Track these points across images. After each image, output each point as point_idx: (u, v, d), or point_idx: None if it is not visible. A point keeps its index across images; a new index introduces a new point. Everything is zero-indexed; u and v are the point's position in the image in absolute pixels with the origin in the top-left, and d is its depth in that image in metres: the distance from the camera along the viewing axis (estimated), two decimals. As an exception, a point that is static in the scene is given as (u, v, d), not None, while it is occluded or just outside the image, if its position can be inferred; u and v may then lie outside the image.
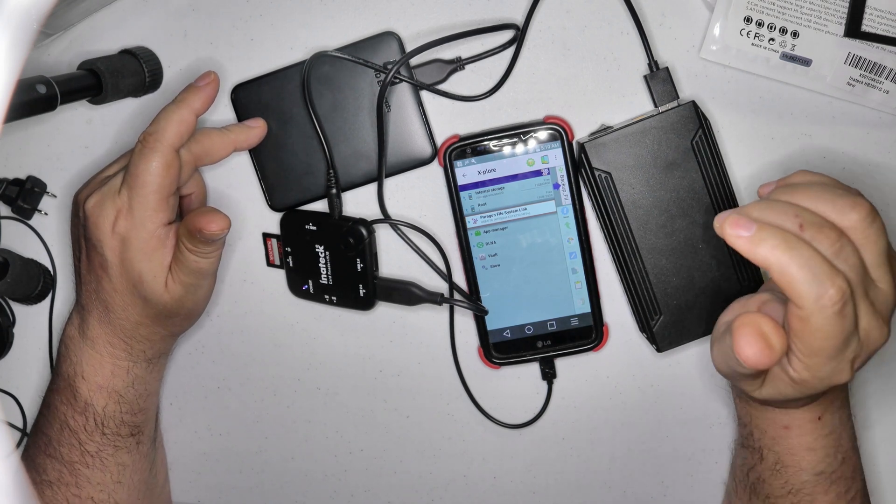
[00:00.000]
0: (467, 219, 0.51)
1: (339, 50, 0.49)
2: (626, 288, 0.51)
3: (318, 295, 0.53)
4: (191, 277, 0.47)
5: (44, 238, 0.54)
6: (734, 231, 0.35)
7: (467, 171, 0.50)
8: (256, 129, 0.50)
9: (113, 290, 0.47)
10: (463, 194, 0.51)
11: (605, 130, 0.49)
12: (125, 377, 0.50)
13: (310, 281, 0.53)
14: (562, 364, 0.54)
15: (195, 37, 0.52)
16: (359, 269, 0.51)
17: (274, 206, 0.53)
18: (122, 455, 0.50)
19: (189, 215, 0.45)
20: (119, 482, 0.50)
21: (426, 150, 0.51)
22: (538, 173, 0.50)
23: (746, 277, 0.50)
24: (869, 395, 0.54)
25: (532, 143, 0.50)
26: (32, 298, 0.54)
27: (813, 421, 0.43)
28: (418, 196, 0.52)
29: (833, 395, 0.44)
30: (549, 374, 0.54)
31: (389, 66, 0.49)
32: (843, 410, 0.45)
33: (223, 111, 0.52)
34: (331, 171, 0.51)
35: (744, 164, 0.51)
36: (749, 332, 0.35)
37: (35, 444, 0.51)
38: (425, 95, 0.51)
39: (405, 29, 0.50)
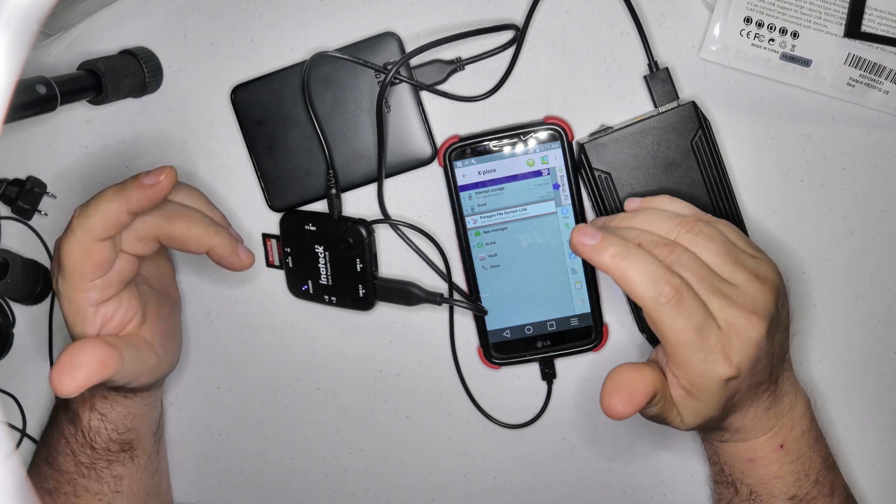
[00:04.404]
0: (467, 219, 0.51)
1: (339, 50, 0.49)
2: (625, 288, 0.51)
3: (318, 295, 0.53)
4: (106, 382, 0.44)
5: (44, 238, 0.54)
6: (580, 239, 0.40)
7: (467, 172, 0.50)
8: (246, 261, 0.47)
9: None
10: (463, 194, 0.51)
11: (604, 131, 0.49)
12: (103, 399, 0.48)
13: (309, 281, 0.53)
14: (562, 364, 0.54)
15: (195, 37, 0.52)
16: (358, 269, 0.51)
17: (273, 207, 0.53)
18: (118, 468, 0.50)
19: (50, 377, 0.41)
20: (117, 492, 0.50)
21: (426, 150, 0.51)
22: (538, 173, 0.50)
23: (746, 277, 0.50)
24: (861, 399, 0.54)
25: (532, 144, 0.50)
26: (32, 298, 0.54)
27: (775, 450, 0.45)
28: (418, 196, 0.52)
29: (791, 422, 0.45)
30: (548, 374, 0.54)
31: (389, 67, 0.49)
32: (807, 435, 0.46)
33: (223, 112, 0.52)
34: (330, 171, 0.51)
35: (744, 164, 0.51)
36: (610, 388, 0.40)
37: (39, 450, 0.51)
38: (425, 96, 0.51)
39: (405, 29, 0.50)
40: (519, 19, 0.50)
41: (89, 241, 0.42)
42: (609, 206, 0.49)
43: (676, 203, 0.44)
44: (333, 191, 0.51)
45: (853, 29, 0.47)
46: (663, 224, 0.41)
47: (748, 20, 0.48)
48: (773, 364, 0.42)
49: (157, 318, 0.48)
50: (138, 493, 0.51)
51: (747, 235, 0.50)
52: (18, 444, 0.56)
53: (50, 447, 0.49)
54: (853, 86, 0.49)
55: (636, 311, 0.51)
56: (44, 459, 0.49)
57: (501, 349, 0.53)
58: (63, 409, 0.49)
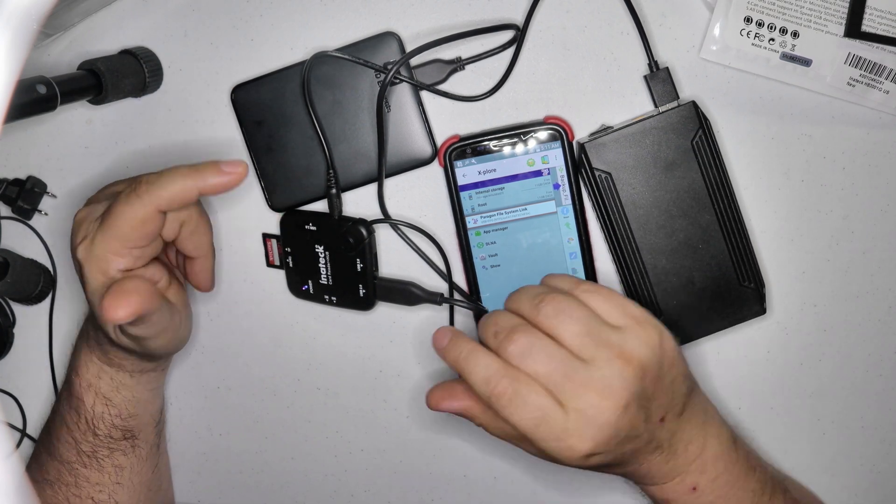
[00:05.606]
0: (467, 219, 0.51)
1: (339, 50, 0.49)
2: (625, 288, 0.51)
3: (318, 295, 0.53)
4: (140, 331, 0.45)
5: (44, 238, 0.54)
6: (435, 337, 0.44)
7: (467, 172, 0.50)
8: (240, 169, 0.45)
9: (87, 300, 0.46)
10: (463, 194, 0.51)
11: (605, 130, 0.49)
12: (109, 382, 0.49)
13: (310, 281, 0.53)
14: (562, 364, 0.54)
15: (195, 37, 0.52)
16: (359, 269, 0.51)
17: (274, 207, 0.53)
18: (119, 457, 0.50)
19: (101, 306, 0.42)
20: (118, 483, 0.50)
21: (426, 150, 0.51)
22: (538, 173, 0.50)
23: (746, 277, 0.50)
24: (861, 399, 0.54)
25: (532, 144, 0.50)
26: (32, 298, 0.54)
27: (688, 493, 0.44)
28: (418, 196, 0.52)
29: (702, 466, 0.44)
30: (549, 374, 0.53)
31: (389, 67, 0.49)
32: (724, 476, 0.45)
33: (223, 112, 0.52)
34: (330, 171, 0.51)
35: (744, 165, 0.51)
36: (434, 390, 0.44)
37: (41, 441, 0.51)
38: (425, 95, 0.51)
39: (405, 29, 0.50)
40: (519, 19, 0.50)
41: (152, 209, 0.42)
42: (609, 205, 0.49)
43: (551, 278, 0.45)
44: (333, 191, 0.51)
45: (853, 29, 0.47)
46: (524, 303, 0.42)
47: (748, 20, 0.48)
48: (652, 430, 0.41)
49: (179, 288, 0.48)
50: (139, 487, 0.51)
51: (745, 236, 0.50)
52: (18, 444, 0.56)
53: (52, 436, 0.50)
54: (853, 85, 0.49)
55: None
56: (45, 449, 0.50)
57: (501, 349, 0.53)
58: (66, 397, 0.49)
